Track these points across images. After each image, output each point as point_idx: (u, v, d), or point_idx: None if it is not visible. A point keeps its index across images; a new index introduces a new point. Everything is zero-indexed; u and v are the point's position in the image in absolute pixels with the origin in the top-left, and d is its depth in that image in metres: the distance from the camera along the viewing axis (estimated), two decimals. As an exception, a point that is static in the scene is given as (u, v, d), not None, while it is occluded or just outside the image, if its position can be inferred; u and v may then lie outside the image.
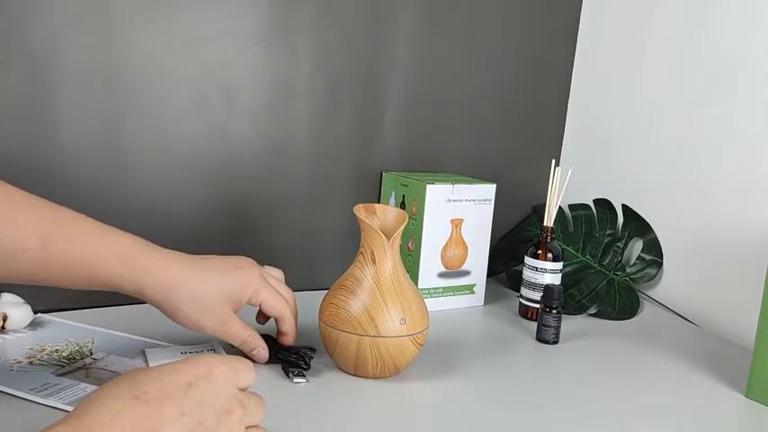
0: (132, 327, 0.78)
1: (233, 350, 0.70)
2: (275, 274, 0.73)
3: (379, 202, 1.03)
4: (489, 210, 0.97)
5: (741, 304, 0.92)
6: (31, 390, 0.60)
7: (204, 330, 0.65)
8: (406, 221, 0.70)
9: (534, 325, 0.90)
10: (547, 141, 1.20)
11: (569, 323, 0.92)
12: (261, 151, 0.93)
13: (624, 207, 1.10)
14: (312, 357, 0.70)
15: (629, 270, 1.05)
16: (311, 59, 0.94)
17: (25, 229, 0.58)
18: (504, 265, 1.11)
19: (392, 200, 0.99)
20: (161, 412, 0.40)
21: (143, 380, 0.42)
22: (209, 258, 0.67)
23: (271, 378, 0.67)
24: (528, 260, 0.94)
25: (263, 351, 0.69)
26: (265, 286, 0.68)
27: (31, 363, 0.66)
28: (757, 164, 0.92)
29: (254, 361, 0.67)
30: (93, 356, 0.69)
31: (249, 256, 0.95)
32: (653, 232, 1.06)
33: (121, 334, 0.76)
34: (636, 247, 1.07)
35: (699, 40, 1.00)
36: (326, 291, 0.72)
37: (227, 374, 0.44)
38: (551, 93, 1.19)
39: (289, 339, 0.71)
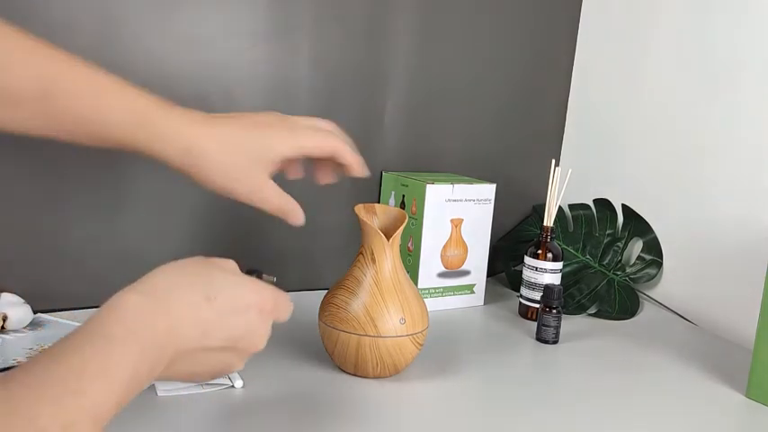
0: (132, 327, 0.77)
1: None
2: (309, 123, 0.65)
3: (379, 202, 1.03)
4: (489, 210, 0.97)
5: (741, 304, 0.92)
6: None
7: (238, 198, 0.61)
8: (406, 221, 0.70)
9: (534, 325, 0.90)
10: (547, 141, 1.20)
11: (569, 323, 0.92)
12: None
13: (624, 207, 1.10)
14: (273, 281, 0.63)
15: (628, 270, 1.05)
16: (311, 59, 0.94)
17: (27, 76, 0.54)
18: (504, 265, 1.11)
19: (392, 200, 0.99)
20: (219, 322, 0.47)
21: (217, 283, 0.48)
22: (232, 118, 0.61)
23: (277, 374, 0.67)
24: (528, 260, 0.94)
25: (299, 212, 0.63)
26: (296, 133, 0.62)
27: (31, 363, 0.66)
28: (757, 164, 0.92)
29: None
30: (93, 356, 0.69)
31: (249, 256, 0.95)
32: (653, 232, 1.06)
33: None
34: (636, 246, 1.07)
35: (699, 40, 1.00)
36: (326, 291, 0.72)
37: (272, 311, 0.50)
38: (551, 93, 1.19)
39: (357, 169, 0.65)
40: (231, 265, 0.53)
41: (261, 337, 0.50)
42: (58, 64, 0.55)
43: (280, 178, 0.64)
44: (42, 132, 0.56)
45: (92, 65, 0.57)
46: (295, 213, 0.63)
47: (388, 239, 0.68)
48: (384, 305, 0.67)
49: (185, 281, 0.47)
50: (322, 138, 0.63)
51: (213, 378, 0.51)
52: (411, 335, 0.68)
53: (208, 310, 0.46)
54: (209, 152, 0.58)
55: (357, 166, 0.64)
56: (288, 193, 0.94)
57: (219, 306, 0.47)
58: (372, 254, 0.68)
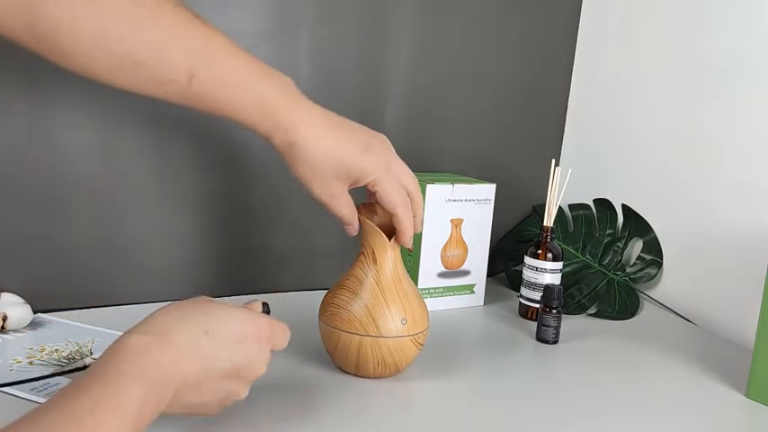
0: (132, 327, 0.77)
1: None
2: (402, 169, 0.68)
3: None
4: (489, 210, 0.97)
5: (741, 304, 0.92)
6: (32, 390, 0.60)
7: (312, 194, 0.65)
8: None
9: (534, 325, 0.90)
10: (547, 141, 1.20)
11: (569, 323, 0.92)
12: (261, 151, 0.93)
13: (624, 207, 1.10)
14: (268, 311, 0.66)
15: (628, 270, 1.05)
16: (311, 59, 0.94)
17: (173, 63, 0.58)
18: (504, 265, 1.11)
19: (392, 200, 0.99)
20: (219, 352, 0.50)
21: (214, 317, 0.51)
22: (347, 127, 0.65)
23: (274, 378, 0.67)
24: (528, 260, 0.94)
25: (353, 230, 0.68)
26: (386, 178, 0.65)
27: (31, 363, 0.66)
28: (757, 164, 0.92)
29: None
30: (93, 356, 0.69)
31: (249, 256, 0.96)
32: (653, 232, 1.06)
33: (121, 334, 0.75)
34: (636, 246, 1.07)
35: (699, 40, 1.00)
36: (326, 291, 0.72)
37: (269, 339, 0.54)
38: (551, 93, 1.19)
39: (404, 239, 0.68)
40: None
41: (261, 363, 0.53)
42: (205, 49, 0.59)
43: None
44: (178, 103, 0.61)
45: (235, 48, 0.61)
46: (349, 229, 0.68)
47: (390, 239, 0.68)
48: (386, 305, 0.67)
49: (183, 318, 0.50)
50: (394, 197, 0.66)
51: (221, 408, 0.53)
52: (412, 335, 0.68)
53: (207, 342, 0.49)
54: (309, 153, 0.62)
55: (405, 236, 0.68)
56: (291, 187, 0.95)
57: (218, 338, 0.50)
58: (374, 254, 0.68)
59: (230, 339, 0.51)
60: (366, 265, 0.69)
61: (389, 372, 0.69)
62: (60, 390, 0.42)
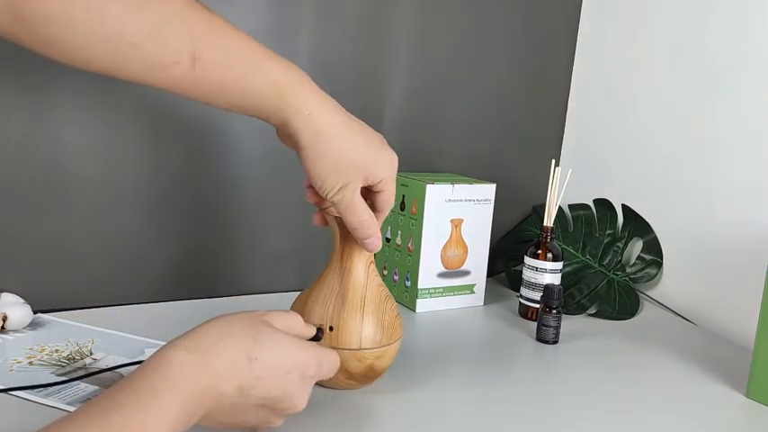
0: (132, 327, 0.78)
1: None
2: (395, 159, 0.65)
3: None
4: (489, 210, 0.97)
5: (741, 304, 0.92)
6: (33, 390, 0.60)
7: (328, 193, 0.59)
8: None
9: (534, 325, 0.90)
10: (547, 141, 1.20)
11: (569, 323, 0.92)
12: (261, 151, 0.93)
13: (624, 207, 1.10)
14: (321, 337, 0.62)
15: (628, 270, 1.05)
16: (311, 59, 0.94)
17: (174, 45, 0.53)
18: (504, 265, 1.11)
19: (392, 200, 0.99)
20: (258, 382, 0.48)
21: (261, 343, 0.49)
22: (358, 121, 0.62)
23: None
24: (528, 260, 0.94)
25: (377, 240, 0.62)
26: (393, 178, 0.63)
27: (31, 363, 0.66)
28: (757, 164, 0.92)
29: None
30: (93, 356, 0.69)
31: (249, 256, 0.96)
32: (653, 232, 1.06)
33: (121, 334, 0.76)
34: (636, 247, 1.07)
35: (699, 40, 1.00)
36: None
37: (315, 375, 0.52)
38: (551, 93, 1.19)
39: (376, 243, 0.63)
40: (285, 320, 0.53)
41: (300, 399, 0.51)
42: (208, 30, 0.55)
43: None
44: (184, 95, 0.56)
45: (239, 31, 0.56)
46: (373, 242, 0.62)
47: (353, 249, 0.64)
48: (355, 315, 0.63)
49: (230, 337, 0.48)
50: (392, 198, 0.64)
51: (252, 430, 0.52)
52: (353, 350, 0.62)
53: (249, 369, 0.47)
54: (336, 141, 0.58)
55: (378, 239, 0.63)
56: (291, 187, 0.95)
57: (260, 366, 0.48)
58: (346, 259, 0.65)
59: (272, 371, 0.49)
60: (336, 270, 0.64)
61: (347, 383, 0.65)
62: (93, 400, 0.41)
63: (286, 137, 0.60)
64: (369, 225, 0.61)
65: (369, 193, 0.64)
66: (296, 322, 0.55)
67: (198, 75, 0.54)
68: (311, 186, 0.62)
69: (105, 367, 0.66)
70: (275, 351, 0.49)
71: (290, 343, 0.51)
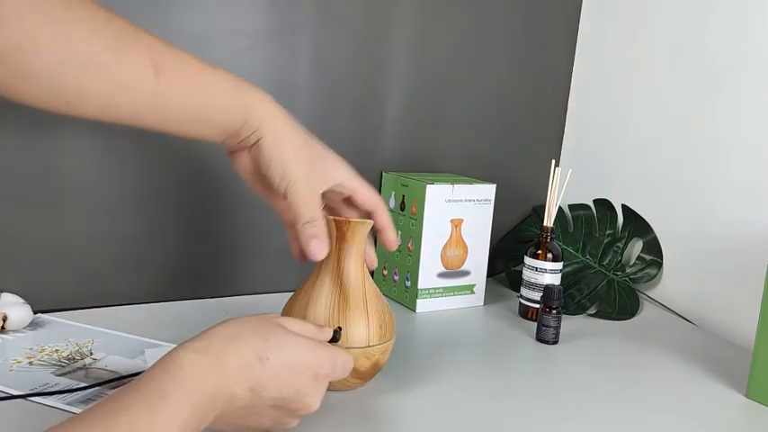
0: (132, 327, 0.78)
1: None
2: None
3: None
4: (489, 210, 0.97)
5: (741, 304, 0.92)
6: (32, 390, 0.60)
7: (289, 186, 0.60)
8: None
9: (534, 325, 0.90)
10: (547, 141, 1.20)
11: (569, 323, 0.92)
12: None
13: (624, 207, 1.10)
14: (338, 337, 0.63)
15: (628, 270, 1.05)
16: (311, 59, 0.94)
17: (138, 59, 0.55)
18: (504, 265, 1.11)
19: (392, 200, 0.99)
20: (270, 382, 0.48)
21: (273, 343, 0.49)
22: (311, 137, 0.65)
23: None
24: (528, 260, 0.94)
25: (322, 244, 0.61)
26: (356, 177, 0.65)
27: (30, 363, 0.66)
28: (757, 164, 0.92)
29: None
30: (93, 356, 0.69)
31: (250, 256, 0.96)
32: (653, 232, 1.06)
33: (121, 334, 0.76)
34: (636, 247, 1.07)
35: (699, 40, 1.00)
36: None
37: (328, 375, 0.52)
38: (551, 93, 1.19)
39: (390, 235, 0.66)
40: (298, 324, 0.54)
41: (314, 399, 0.51)
42: (163, 45, 0.57)
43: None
44: (148, 121, 0.58)
45: (195, 57, 0.59)
46: (317, 244, 0.60)
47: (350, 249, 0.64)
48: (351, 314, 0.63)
49: (241, 339, 0.48)
50: (372, 193, 0.66)
51: None
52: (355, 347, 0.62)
53: (260, 370, 0.47)
54: (296, 135, 0.61)
55: (390, 232, 0.67)
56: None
57: (272, 366, 0.48)
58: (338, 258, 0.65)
59: (284, 370, 0.49)
60: (333, 271, 0.64)
61: (354, 382, 0.65)
62: (101, 402, 0.41)
63: (241, 147, 0.62)
64: (315, 223, 0.60)
65: (348, 205, 0.67)
66: (309, 325, 0.55)
67: (162, 88, 0.56)
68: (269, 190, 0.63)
69: (127, 374, 0.65)
70: (287, 351, 0.49)
71: (301, 343, 0.51)
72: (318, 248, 0.60)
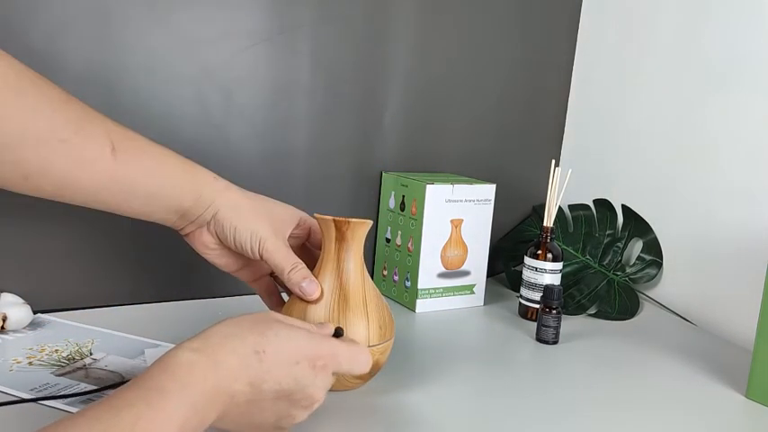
0: (132, 327, 0.78)
1: None
2: None
3: (378, 203, 1.03)
4: (489, 210, 0.97)
5: (741, 305, 0.92)
6: (32, 390, 0.60)
7: (262, 245, 0.64)
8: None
9: (534, 325, 0.90)
10: (547, 141, 1.20)
11: (569, 323, 0.92)
12: (261, 151, 0.93)
13: (624, 207, 1.10)
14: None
15: (628, 270, 1.05)
16: (311, 59, 0.94)
17: (96, 137, 0.58)
18: (504, 265, 1.11)
19: (392, 200, 0.99)
20: (267, 375, 0.48)
21: (268, 337, 0.49)
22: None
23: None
24: (528, 260, 0.94)
25: (314, 283, 0.63)
26: (308, 217, 0.70)
27: (30, 363, 0.66)
28: (757, 165, 0.92)
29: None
30: (92, 356, 0.69)
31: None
32: (653, 232, 1.06)
33: (121, 334, 0.76)
34: (636, 247, 1.07)
35: (699, 40, 1.00)
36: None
37: (329, 367, 0.52)
38: (551, 93, 1.19)
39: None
40: (297, 321, 0.54)
41: (316, 390, 0.51)
42: (118, 126, 0.61)
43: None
44: (104, 199, 0.61)
45: (148, 139, 0.63)
46: (309, 284, 0.63)
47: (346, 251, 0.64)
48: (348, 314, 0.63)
49: (237, 336, 0.48)
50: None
51: (278, 430, 0.52)
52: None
53: (257, 363, 0.48)
54: (250, 202, 0.66)
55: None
56: (291, 188, 0.95)
57: (269, 359, 0.48)
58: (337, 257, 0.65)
59: (280, 362, 0.49)
60: (332, 272, 0.64)
61: (354, 383, 0.65)
62: (104, 399, 0.41)
63: (198, 225, 0.66)
64: (297, 269, 0.63)
65: (305, 249, 0.72)
66: (309, 324, 0.55)
67: (119, 166, 0.59)
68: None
69: (127, 376, 0.66)
70: (282, 343, 0.49)
71: (297, 335, 0.51)
72: (312, 287, 0.63)
